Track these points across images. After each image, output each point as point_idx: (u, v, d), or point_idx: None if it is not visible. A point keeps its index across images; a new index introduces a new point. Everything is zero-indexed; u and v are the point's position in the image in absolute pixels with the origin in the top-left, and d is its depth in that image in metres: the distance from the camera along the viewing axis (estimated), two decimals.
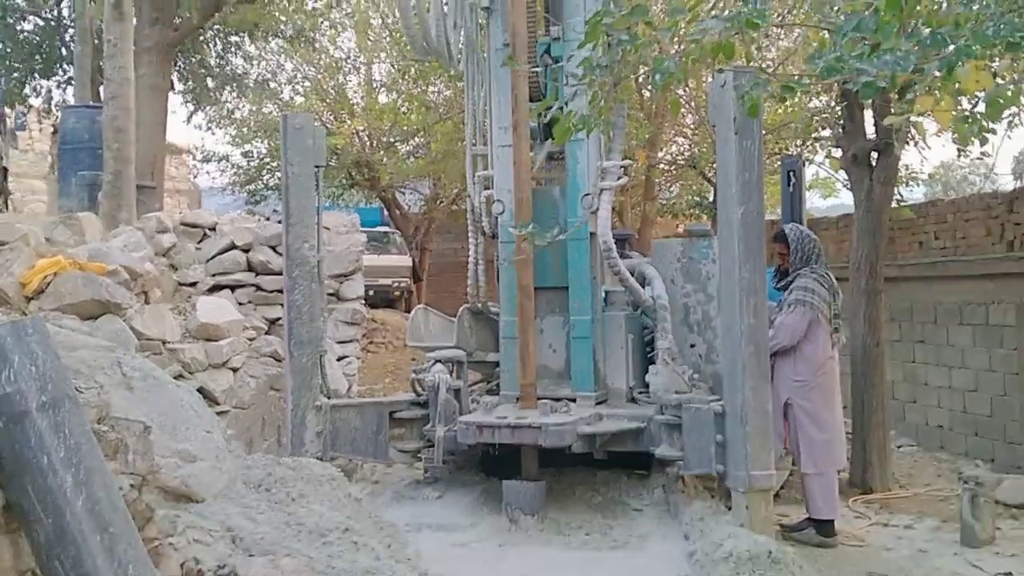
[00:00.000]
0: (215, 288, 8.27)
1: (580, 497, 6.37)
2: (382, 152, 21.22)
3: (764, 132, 13.23)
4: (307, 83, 22.77)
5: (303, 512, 5.05)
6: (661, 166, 16.04)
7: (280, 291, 7.54)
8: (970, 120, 2.55)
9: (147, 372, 5.35)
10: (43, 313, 6.02)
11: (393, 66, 20.75)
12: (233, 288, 8.37)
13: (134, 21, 10.38)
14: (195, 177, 27.79)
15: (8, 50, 16.82)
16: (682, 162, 15.95)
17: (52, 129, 20.48)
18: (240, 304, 8.24)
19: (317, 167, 6.41)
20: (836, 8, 2.67)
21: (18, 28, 17.15)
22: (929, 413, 9.92)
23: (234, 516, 4.77)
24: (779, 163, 10.34)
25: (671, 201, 17.51)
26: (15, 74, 17.27)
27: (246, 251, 8.51)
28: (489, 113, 6.65)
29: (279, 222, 11.77)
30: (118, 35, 8.85)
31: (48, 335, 2.91)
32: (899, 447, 9.36)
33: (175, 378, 6.33)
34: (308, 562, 4.53)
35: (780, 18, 6.22)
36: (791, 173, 8.51)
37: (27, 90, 17.62)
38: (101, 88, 14.41)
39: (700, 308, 6.57)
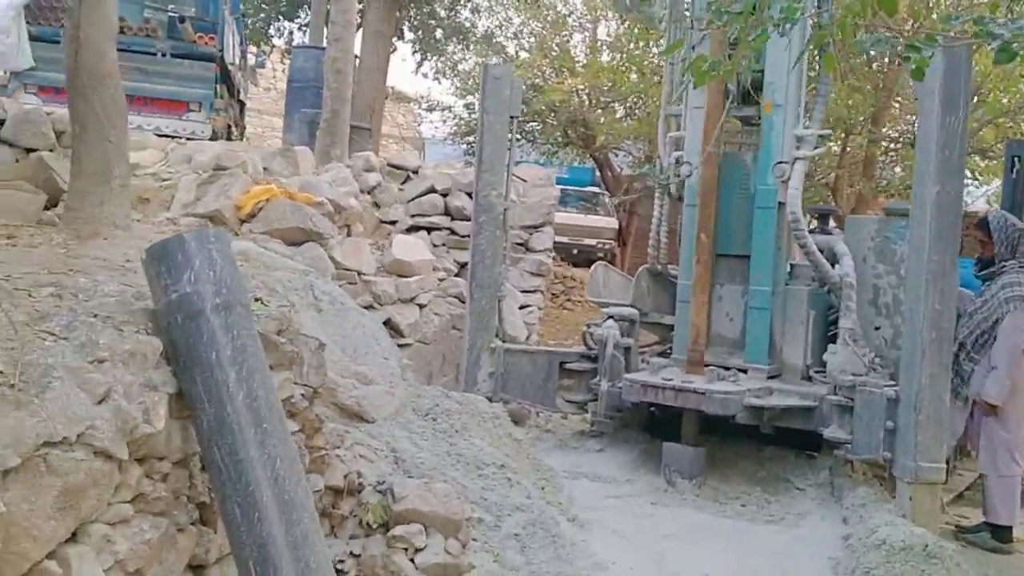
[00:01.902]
0: (413, 228, 8.67)
1: (742, 469, 6.31)
2: (599, 111, 21.23)
3: (998, 115, 12.37)
4: (532, 38, 23.05)
5: (464, 444, 5.31)
6: (884, 143, 15.21)
7: None
8: None
9: (336, 298, 5.75)
10: (253, 235, 6.55)
11: (619, 25, 20.65)
12: (429, 230, 8.75)
13: None
14: (420, 125, 28.82)
15: None
16: (908, 140, 15.03)
17: None
18: (434, 245, 8.62)
19: (512, 117, 6.58)
20: None
21: None
22: None
23: (399, 439, 5.10)
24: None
25: (892, 181, 16.60)
26: (261, 14, 18.47)
27: (444, 195, 8.86)
28: (686, 75, 6.57)
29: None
30: None
31: (228, 246, 3.22)
32: None
33: (366, 308, 6.76)
34: (462, 490, 4.77)
35: None
36: (1015, 159, 7.91)
37: (271, 30, 18.83)
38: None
39: (891, 290, 6.29)
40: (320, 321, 5.42)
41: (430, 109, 25.15)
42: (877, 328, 6.27)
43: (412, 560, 4.19)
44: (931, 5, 11.23)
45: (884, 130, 14.75)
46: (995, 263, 5.98)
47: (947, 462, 5.77)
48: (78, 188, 5.06)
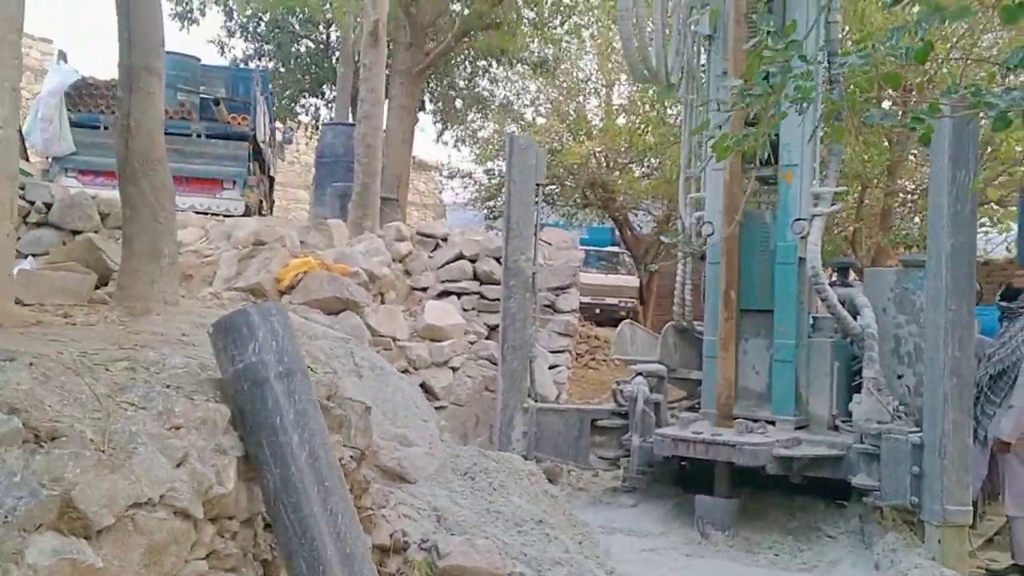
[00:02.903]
0: (443, 294, 8.94)
1: (774, 519, 6.43)
2: (617, 172, 21.62)
3: (1014, 163, 12.57)
4: (548, 105, 23.57)
5: (502, 501, 5.49)
6: (901, 195, 15.42)
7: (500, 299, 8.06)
8: None
9: (375, 363, 6.00)
10: (292, 306, 6.82)
11: (632, 88, 21.10)
12: (459, 295, 9.01)
13: (389, 47, 11.34)
14: (441, 192, 29.34)
15: (283, 70, 18.64)
16: (924, 191, 15.22)
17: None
18: (464, 310, 8.87)
19: (538, 185, 6.87)
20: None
21: (292, 51, 18.96)
22: None
23: (440, 498, 5.28)
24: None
25: (910, 232, 16.79)
26: (287, 92, 19.08)
27: (473, 261, 9.13)
28: (704, 136, 6.86)
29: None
30: (373, 59, 9.78)
31: (287, 318, 3.47)
32: None
33: (402, 372, 6.99)
34: (503, 546, 4.94)
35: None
36: None
37: (297, 107, 19.43)
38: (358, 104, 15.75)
39: (912, 340, 6.46)
40: (361, 386, 5.66)
41: (450, 176, 25.66)
42: (900, 377, 6.43)
43: None
44: (933, 76, 11.54)
45: (900, 182, 14.96)
46: (1017, 301, 6.17)
47: (974, 505, 5.89)
48: (130, 267, 5.30)
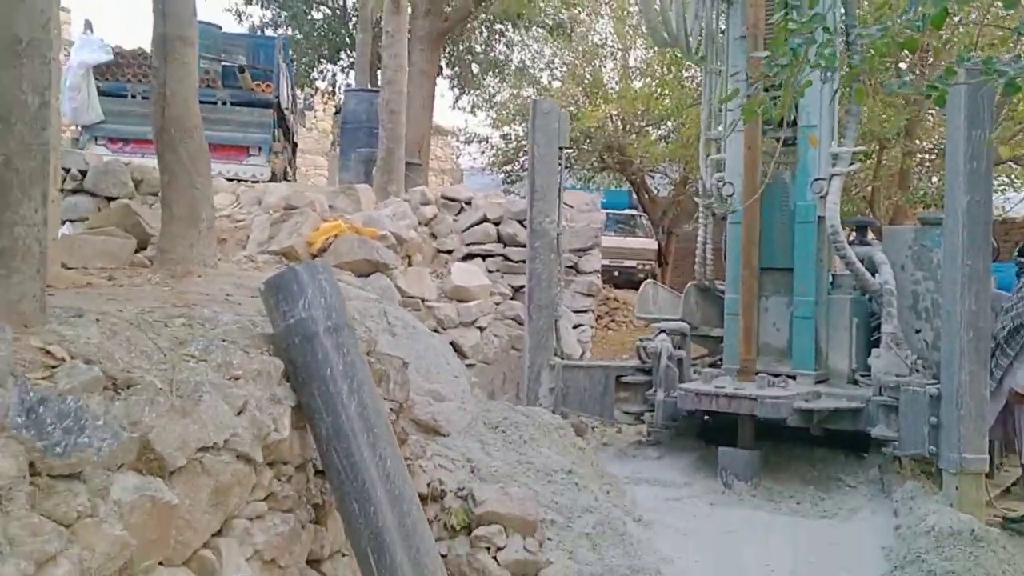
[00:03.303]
0: (468, 256, 9.12)
1: (795, 470, 6.62)
2: (634, 136, 21.65)
3: None
4: (564, 68, 23.57)
5: (532, 453, 5.71)
6: (919, 155, 15.45)
7: (524, 261, 8.25)
8: None
9: (407, 322, 6.20)
10: None
11: (649, 51, 21.08)
12: (484, 257, 9.19)
13: (409, 13, 11.44)
14: (458, 157, 29.43)
15: (301, 38, 18.71)
16: (941, 151, 15.22)
17: (334, 110, 22.54)
18: (489, 271, 9.05)
19: (561, 148, 7.02)
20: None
21: (308, 18, 19.01)
22: None
23: (474, 450, 5.50)
24: None
25: (928, 192, 16.83)
26: (304, 59, 19.17)
27: (496, 224, 9.30)
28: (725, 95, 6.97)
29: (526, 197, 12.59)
30: (395, 27, 9.90)
31: (333, 276, 3.67)
32: None
33: (431, 331, 7.19)
34: (534, 495, 5.17)
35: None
36: None
37: (314, 74, 19.52)
38: (378, 72, 15.84)
39: (929, 296, 6.62)
40: (395, 344, 5.86)
41: (467, 141, 25.75)
42: (918, 331, 6.59)
43: (495, 558, 4.55)
44: (951, 36, 11.53)
45: (918, 142, 14.99)
46: None
47: (992, 456, 6.06)
48: (169, 232, 5.49)
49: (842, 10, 6.11)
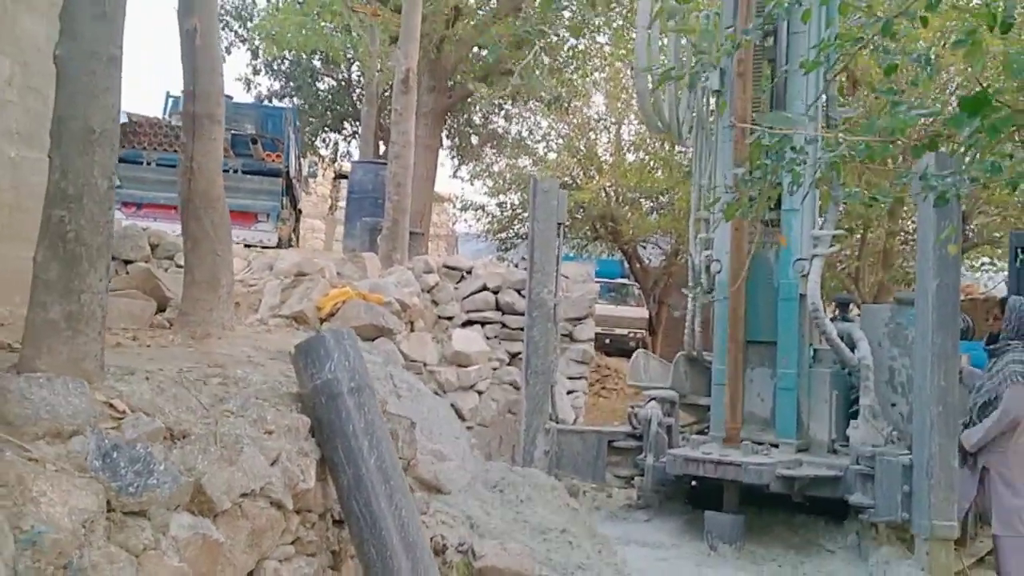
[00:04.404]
0: (468, 323, 9.51)
1: (778, 534, 6.94)
2: (626, 207, 22.21)
3: (1003, 208, 13.15)
4: (560, 140, 24.23)
5: (528, 512, 6.02)
6: (902, 234, 16.01)
7: (521, 329, 8.63)
8: None
9: (412, 384, 6.56)
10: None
11: (642, 126, 21.72)
12: (483, 324, 9.58)
13: None
14: (454, 223, 29.99)
15: (306, 107, 19.37)
16: None
17: (333, 175, 23.11)
18: (487, 338, 9.43)
19: (559, 224, 7.46)
20: None
21: (314, 88, 19.71)
22: None
23: (473, 508, 5.82)
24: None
25: (911, 271, 17.38)
26: (309, 128, 19.80)
27: (495, 292, 9.71)
28: (712, 182, 7.45)
29: (524, 268, 13.04)
30: (403, 105, 10.44)
31: (357, 342, 4.05)
32: None
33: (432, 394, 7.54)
34: (530, 551, 5.47)
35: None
36: (1019, 249, 8.66)
37: (318, 141, 20.14)
38: (379, 142, 16.41)
39: (904, 371, 7.00)
40: (400, 405, 6.20)
41: (463, 208, 26.28)
42: (893, 405, 6.97)
43: None
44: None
45: (901, 222, 15.54)
46: (999, 340, 6.70)
47: (964, 525, 6.39)
48: (191, 296, 5.85)
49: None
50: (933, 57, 3.18)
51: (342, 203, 21.54)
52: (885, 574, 5.76)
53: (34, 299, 3.16)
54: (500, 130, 20.66)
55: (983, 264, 17.94)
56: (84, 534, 2.44)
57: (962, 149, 2.77)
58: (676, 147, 20.43)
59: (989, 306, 18.19)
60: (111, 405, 3.04)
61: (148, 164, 11.76)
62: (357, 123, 19.35)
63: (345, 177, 21.14)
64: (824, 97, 6.68)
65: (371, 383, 4.01)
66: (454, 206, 27.92)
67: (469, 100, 17.77)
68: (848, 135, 3.28)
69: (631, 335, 20.06)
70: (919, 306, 6.06)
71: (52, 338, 3.14)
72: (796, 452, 6.92)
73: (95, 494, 2.53)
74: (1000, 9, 2.68)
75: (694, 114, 7.51)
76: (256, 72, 18.93)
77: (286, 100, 18.52)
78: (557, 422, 7.52)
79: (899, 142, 2.67)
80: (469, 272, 9.84)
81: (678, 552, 6.63)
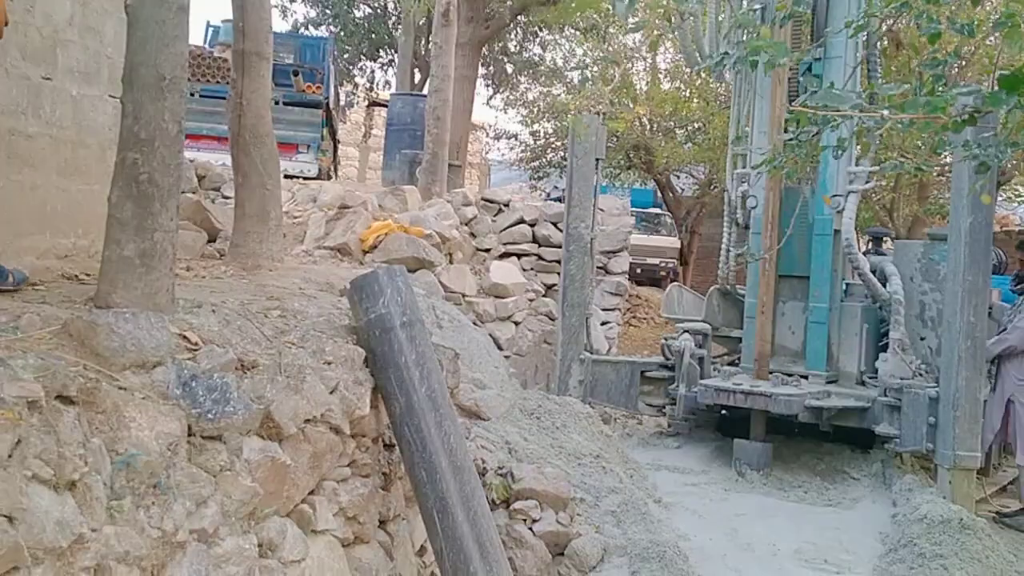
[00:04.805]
0: (505, 255, 9.73)
1: (804, 462, 7.19)
2: (661, 136, 22.08)
3: None
4: (595, 69, 24.01)
5: (564, 438, 6.30)
6: (938, 166, 15.87)
7: (557, 261, 8.84)
8: None
9: (453, 316, 6.81)
10: (376, 264, 7.62)
11: (679, 54, 21.48)
12: (519, 256, 9.79)
13: None
14: (487, 152, 29.98)
15: (343, 34, 19.35)
16: None
17: (367, 102, 23.12)
18: (524, 270, 9.65)
19: (597, 159, 7.59)
20: None
21: (351, 16, 19.64)
22: None
23: (511, 434, 6.10)
24: None
25: (946, 203, 17.26)
26: (344, 55, 19.80)
27: (532, 225, 9.89)
28: (752, 117, 7.51)
29: (557, 199, 13.17)
30: (443, 39, 10.51)
31: (407, 277, 4.27)
32: None
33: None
34: (566, 475, 5.76)
35: None
36: None
37: (354, 70, 20.16)
38: (415, 70, 16.41)
39: (935, 306, 7.14)
40: (442, 336, 6.46)
41: (497, 137, 26.26)
42: (923, 339, 7.13)
43: (531, 528, 5.16)
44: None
45: (938, 154, 15.39)
46: None
47: (987, 456, 6.59)
48: (242, 228, 6.07)
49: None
50: (975, 26, 3.25)
51: (376, 131, 21.65)
52: (907, 500, 5.96)
53: (109, 237, 3.35)
54: (536, 58, 20.53)
55: (1021, 196, 17.77)
56: (169, 456, 2.70)
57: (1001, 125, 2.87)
58: (711, 77, 20.23)
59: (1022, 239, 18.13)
60: (185, 337, 3.27)
61: (192, 95, 11.90)
62: (393, 51, 19.32)
63: (380, 105, 21.19)
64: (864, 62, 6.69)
65: (422, 317, 4.24)
66: (487, 135, 27.90)
67: (505, 29, 17.68)
68: (892, 110, 3.40)
69: (662, 264, 20.12)
70: (951, 243, 6.17)
71: (127, 273, 3.35)
72: (825, 384, 7.11)
73: (178, 420, 2.77)
74: None
75: (735, 48, 7.52)
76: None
77: (322, 28, 18.51)
78: (592, 352, 7.75)
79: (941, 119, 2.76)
80: (507, 205, 10.01)
81: (707, 478, 6.89)
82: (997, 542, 5.39)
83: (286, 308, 4.26)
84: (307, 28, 18.53)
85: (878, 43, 7.03)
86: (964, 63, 11.95)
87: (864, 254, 7.56)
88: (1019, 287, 6.95)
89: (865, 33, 5.16)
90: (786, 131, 3.99)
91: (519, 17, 15.83)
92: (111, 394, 2.62)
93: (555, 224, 9.68)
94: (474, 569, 3.86)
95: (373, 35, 19.47)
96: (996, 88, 2.50)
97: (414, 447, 3.93)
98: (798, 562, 5.34)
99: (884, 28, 5.93)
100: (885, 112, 3.07)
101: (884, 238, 9.19)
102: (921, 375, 6.77)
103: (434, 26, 10.81)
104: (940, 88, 2.87)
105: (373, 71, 20.52)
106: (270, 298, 4.56)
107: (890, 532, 5.69)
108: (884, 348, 7.14)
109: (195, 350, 3.20)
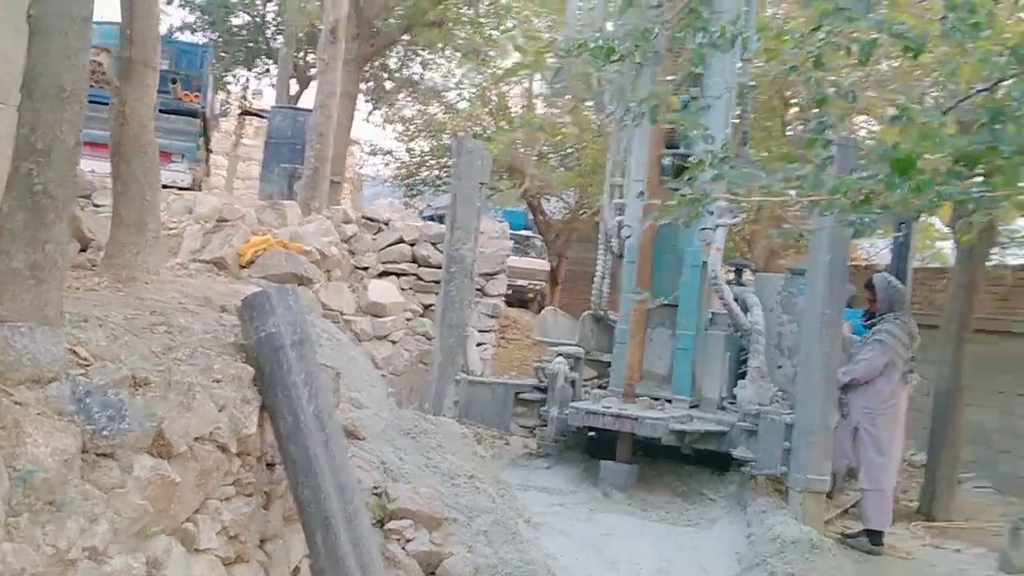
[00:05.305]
0: (384, 274, 9.79)
1: (667, 484, 7.52)
2: (534, 159, 22.48)
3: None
4: (472, 89, 24.30)
5: (439, 458, 6.42)
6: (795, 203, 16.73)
7: (435, 281, 8.97)
8: None
9: (333, 334, 6.84)
10: (253, 280, 7.57)
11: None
12: (398, 275, 9.87)
13: None
14: (361, 167, 29.83)
15: (220, 42, 18.98)
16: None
17: (239, 111, 22.70)
18: (402, 289, 9.74)
19: (481, 183, 7.77)
20: None
21: (227, 24, 19.30)
22: (1020, 464, 10.30)
23: (387, 454, 6.18)
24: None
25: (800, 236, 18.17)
26: (220, 63, 19.43)
27: (411, 245, 9.99)
28: (629, 152, 7.84)
29: (430, 218, 13.28)
30: (330, 56, 10.51)
31: (299, 297, 4.32)
32: (976, 487, 10.01)
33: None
34: (440, 495, 5.87)
35: None
36: (901, 224, 9.30)
37: (228, 77, 19.79)
38: (291, 81, 16.25)
39: (792, 336, 7.60)
40: (321, 354, 6.45)
41: (372, 153, 26.21)
42: (780, 367, 7.58)
43: (404, 548, 5.25)
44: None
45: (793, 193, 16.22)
46: (876, 317, 7.34)
47: (833, 479, 7.04)
48: (118, 239, 5.94)
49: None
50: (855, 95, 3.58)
51: (246, 141, 21.30)
52: (761, 521, 6.32)
53: None
54: (416, 77, 20.66)
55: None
56: (64, 473, 2.70)
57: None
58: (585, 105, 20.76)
59: (870, 272, 19.27)
60: (75, 352, 3.25)
61: None
62: (269, 60, 19.07)
63: (253, 115, 20.85)
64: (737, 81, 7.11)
65: (312, 337, 4.29)
66: (362, 150, 27.79)
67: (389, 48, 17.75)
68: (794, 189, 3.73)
69: (531, 286, 20.38)
70: (810, 277, 6.61)
71: (16, 285, 3.28)
72: (688, 408, 7.46)
73: (72, 436, 2.78)
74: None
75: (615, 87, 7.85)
76: (169, 2, 18.49)
77: (199, 34, 18.16)
78: (468, 373, 7.90)
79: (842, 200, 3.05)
80: (387, 224, 10.08)
81: (574, 498, 7.13)
82: (843, 561, 5.80)
83: (172, 324, 4.24)
84: (182, 33, 18.15)
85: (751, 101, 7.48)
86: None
87: (727, 284, 7.97)
88: (869, 322, 7.46)
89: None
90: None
91: (404, 36, 15.93)
92: (12, 410, 2.61)
93: (435, 244, 9.81)
94: None
95: (250, 44, 19.19)
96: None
97: (300, 466, 3.98)
98: None
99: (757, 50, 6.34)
100: (792, 193, 3.34)
101: (744, 269, 9.67)
102: (777, 402, 7.19)
103: (321, 42, 10.81)
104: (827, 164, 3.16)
105: (248, 80, 20.23)
106: (153, 313, 4.52)
107: (745, 552, 6.03)
108: (743, 375, 7.54)
109: (87, 365, 3.19)
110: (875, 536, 7.03)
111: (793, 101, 12.92)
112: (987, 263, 8.86)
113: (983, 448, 10.51)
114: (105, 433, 2.89)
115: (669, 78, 7.03)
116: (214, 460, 3.59)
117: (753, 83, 6.18)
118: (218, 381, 3.81)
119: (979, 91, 4.30)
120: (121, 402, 3.01)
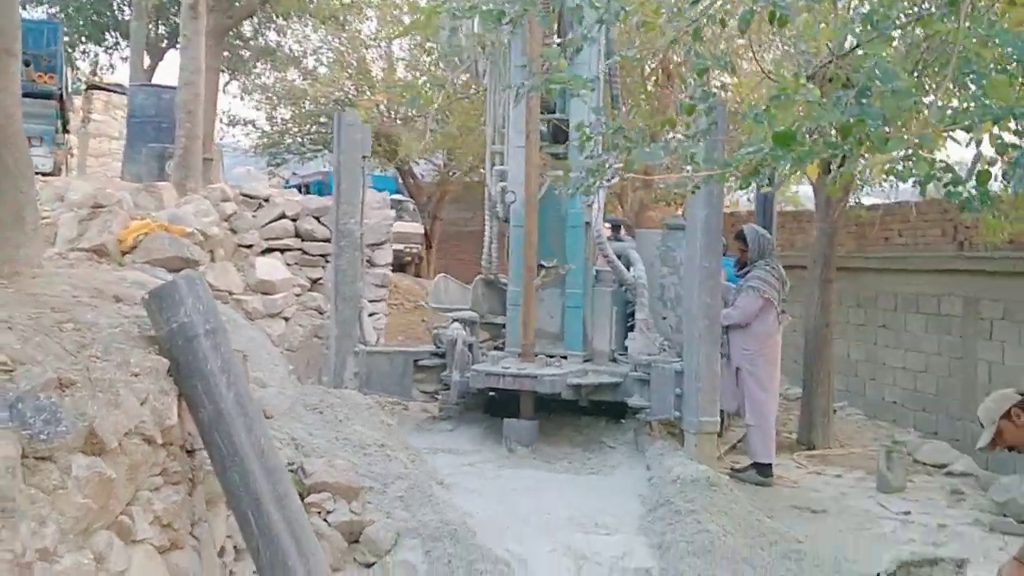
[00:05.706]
0: (268, 251, 9.69)
1: (566, 435, 7.81)
2: (400, 124, 22.39)
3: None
4: (331, 55, 23.93)
5: (348, 430, 6.51)
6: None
7: (321, 255, 8.96)
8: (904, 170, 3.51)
9: (229, 316, 6.80)
10: (136, 265, 7.41)
11: (414, 42, 21.80)
12: (282, 251, 9.78)
13: None
14: (221, 138, 29.01)
15: (65, 16, 18.07)
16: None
17: (85, 87, 21.76)
18: (288, 265, 9.66)
19: (363, 157, 7.79)
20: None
21: None
22: (885, 390, 11.06)
23: (297, 430, 6.24)
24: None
25: (668, 190, 18.78)
26: (65, 38, 18.52)
27: (294, 220, 9.91)
28: (507, 118, 8.00)
29: (296, 186, 13.06)
30: (192, 31, 10.22)
31: (207, 285, 4.32)
32: (848, 415, 10.74)
33: None
34: (354, 466, 5.97)
35: None
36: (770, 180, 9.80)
37: (76, 54, 18.89)
38: (145, 54, 15.70)
39: (674, 288, 7.97)
40: None
41: (232, 124, 25.56)
42: (664, 318, 7.94)
43: (325, 520, 5.35)
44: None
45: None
46: (748, 265, 7.77)
47: (722, 420, 7.47)
48: None
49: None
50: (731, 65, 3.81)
51: (95, 116, 20.45)
52: (660, 463, 6.66)
53: None
54: (273, 45, 20.17)
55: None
56: (11, 479, 2.71)
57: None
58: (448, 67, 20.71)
59: (734, 220, 20.14)
60: None
61: None
62: (118, 34, 18.29)
63: (101, 88, 19.97)
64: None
65: (224, 324, 4.31)
66: (221, 121, 27.03)
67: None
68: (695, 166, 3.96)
69: (407, 250, 20.47)
70: (689, 232, 6.94)
71: None
72: (583, 363, 7.75)
73: (13, 443, 2.78)
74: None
75: (490, 53, 7.98)
76: None
77: (42, 9, 17.20)
78: (365, 344, 7.97)
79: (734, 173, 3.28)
80: (267, 200, 9.95)
81: (481, 456, 7.33)
82: (738, 495, 6.17)
83: (78, 320, 4.18)
84: (24, 8, 17.14)
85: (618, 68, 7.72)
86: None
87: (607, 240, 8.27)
88: (741, 271, 7.89)
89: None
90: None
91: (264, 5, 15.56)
92: None
93: (318, 218, 9.77)
94: (292, 563, 4.03)
95: (96, 17, 18.34)
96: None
97: (225, 452, 4.01)
98: (572, 528, 5.85)
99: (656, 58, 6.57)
100: (688, 169, 3.55)
101: (620, 225, 10.02)
102: (665, 350, 7.56)
103: (182, 18, 10.50)
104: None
105: (97, 55, 19.34)
106: (54, 309, 4.44)
107: (648, 493, 6.35)
108: (632, 328, 7.87)
109: (10, 371, 3.16)
110: (764, 468, 7.51)
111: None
112: (845, 206, 9.42)
113: (851, 378, 11.24)
114: (43, 437, 2.89)
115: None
116: (142, 453, 3.60)
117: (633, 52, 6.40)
118: (136, 375, 3.80)
119: (837, 57, 4.66)
120: (54, 405, 3.01)
